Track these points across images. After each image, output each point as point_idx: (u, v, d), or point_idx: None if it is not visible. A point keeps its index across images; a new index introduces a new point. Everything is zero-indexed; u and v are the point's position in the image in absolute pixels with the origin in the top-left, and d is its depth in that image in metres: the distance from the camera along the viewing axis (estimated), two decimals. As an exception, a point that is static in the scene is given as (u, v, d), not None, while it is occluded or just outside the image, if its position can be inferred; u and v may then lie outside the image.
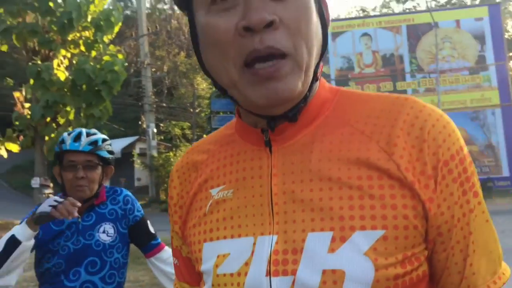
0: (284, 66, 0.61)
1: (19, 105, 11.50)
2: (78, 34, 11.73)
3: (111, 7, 12.44)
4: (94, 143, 1.99)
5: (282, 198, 0.67)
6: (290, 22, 0.61)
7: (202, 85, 32.15)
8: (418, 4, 33.27)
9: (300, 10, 0.62)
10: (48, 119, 11.16)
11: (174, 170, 0.83)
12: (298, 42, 0.62)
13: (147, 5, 33.92)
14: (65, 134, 2.01)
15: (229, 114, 19.19)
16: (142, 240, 2.14)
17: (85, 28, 11.66)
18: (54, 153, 2.04)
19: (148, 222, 2.18)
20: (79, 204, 1.74)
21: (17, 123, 11.25)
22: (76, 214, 1.73)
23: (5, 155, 11.36)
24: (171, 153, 23.18)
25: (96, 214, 2.03)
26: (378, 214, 0.62)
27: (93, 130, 2.06)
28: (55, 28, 11.03)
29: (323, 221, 0.63)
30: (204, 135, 24.08)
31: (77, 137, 1.97)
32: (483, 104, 18.06)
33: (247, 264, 0.66)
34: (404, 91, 18.37)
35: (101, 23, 11.55)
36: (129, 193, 2.17)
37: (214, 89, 20.97)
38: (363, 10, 36.55)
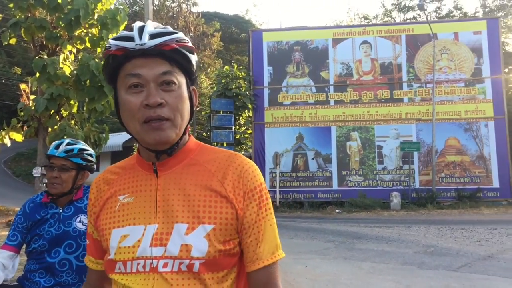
0: (165, 124, 1.13)
1: (24, 96, 11.84)
2: (84, 31, 12.12)
3: (118, 6, 12.79)
4: (70, 151, 2.52)
5: (162, 203, 1.18)
6: (171, 103, 1.14)
7: (205, 83, 32.48)
8: (418, 15, 33.42)
9: (177, 98, 1.15)
10: (52, 111, 11.49)
11: (94, 182, 1.33)
12: (175, 113, 1.14)
13: (156, 1, 34.32)
14: (54, 142, 2.57)
15: (228, 114, 19.63)
16: None
17: (91, 26, 12.03)
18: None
19: None
20: None
21: (22, 113, 11.61)
22: None
23: (8, 143, 11.73)
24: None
25: (74, 207, 2.59)
26: (212, 216, 1.15)
27: (76, 141, 2.60)
28: (62, 25, 11.41)
29: (183, 218, 1.15)
30: (204, 134, 24.43)
31: (58, 145, 2.53)
32: (477, 116, 18.42)
33: (139, 240, 1.15)
34: (401, 100, 18.77)
35: (107, 21, 11.93)
36: None
37: (215, 88, 21.36)
38: (365, 18, 36.84)
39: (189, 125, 1.23)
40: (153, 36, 1.12)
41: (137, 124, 1.13)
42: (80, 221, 2.54)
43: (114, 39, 1.15)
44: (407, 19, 34.77)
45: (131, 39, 1.12)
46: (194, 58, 1.19)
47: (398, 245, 9.42)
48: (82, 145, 2.60)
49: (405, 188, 17.94)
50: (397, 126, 18.69)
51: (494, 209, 16.39)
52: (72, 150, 2.53)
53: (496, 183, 17.97)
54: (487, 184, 18.00)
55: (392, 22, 32.27)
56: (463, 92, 18.67)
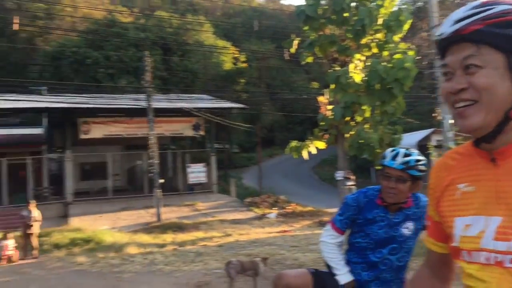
0: (468, 109, 1.05)
1: (323, 107, 13.03)
2: (370, 38, 12.57)
3: (401, 6, 12.81)
4: (406, 163, 2.53)
5: (504, 195, 1.06)
6: (475, 85, 1.04)
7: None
8: None
9: (483, 78, 1.03)
10: (347, 118, 12.29)
11: (433, 168, 1.30)
12: (482, 94, 1.04)
13: (439, -8, 32.73)
14: (388, 151, 2.64)
15: None
16: None
17: (376, 31, 12.40)
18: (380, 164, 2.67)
19: None
20: None
21: (322, 123, 12.77)
22: None
23: (314, 151, 13.07)
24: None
25: (403, 214, 2.67)
26: None
27: (411, 151, 2.59)
28: (350, 36, 12.14)
29: None
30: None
31: (395, 156, 2.56)
32: None
33: (482, 231, 1.09)
34: None
35: (391, 23, 12.07)
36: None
37: None
38: None
39: None
40: (457, 21, 1.07)
41: (450, 109, 1.12)
42: (406, 227, 2.64)
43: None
44: None
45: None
46: None
47: None
48: (416, 155, 2.58)
49: None
50: None
51: None
52: (408, 162, 2.54)
53: None
54: None
55: None
56: None
